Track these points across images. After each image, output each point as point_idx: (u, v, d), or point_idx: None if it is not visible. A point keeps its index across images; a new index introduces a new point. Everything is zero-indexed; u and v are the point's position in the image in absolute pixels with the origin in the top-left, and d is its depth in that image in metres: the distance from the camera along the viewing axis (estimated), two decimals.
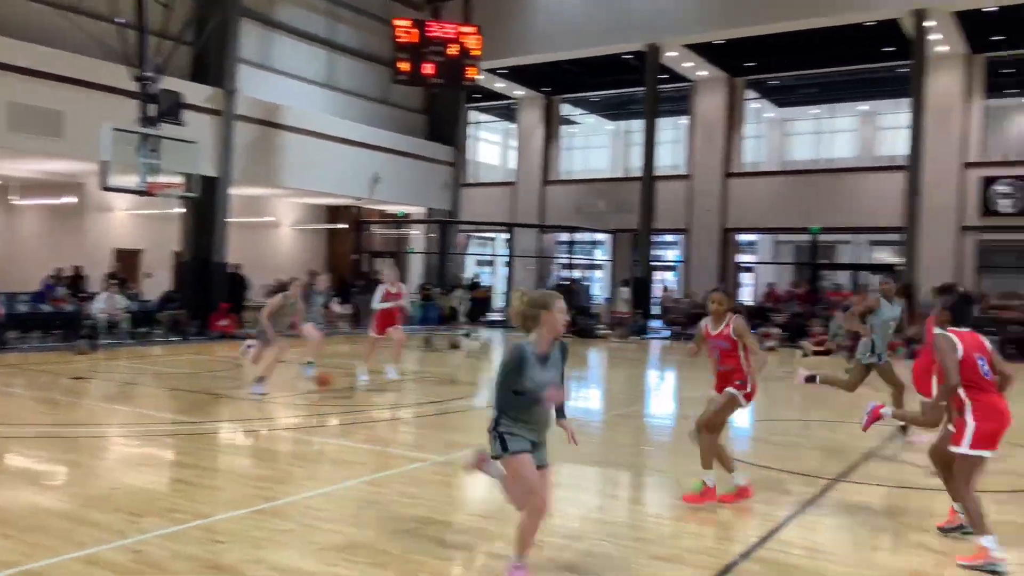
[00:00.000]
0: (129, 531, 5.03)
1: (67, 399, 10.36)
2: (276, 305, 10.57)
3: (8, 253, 20.83)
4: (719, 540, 5.48)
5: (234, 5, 19.61)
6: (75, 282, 18.85)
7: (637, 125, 26.81)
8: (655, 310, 25.36)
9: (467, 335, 20.52)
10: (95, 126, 14.31)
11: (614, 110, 31.54)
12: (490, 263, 33.83)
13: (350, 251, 26.13)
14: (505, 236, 30.98)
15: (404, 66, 22.95)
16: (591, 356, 19.06)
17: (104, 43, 15.79)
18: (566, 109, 31.24)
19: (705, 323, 6.44)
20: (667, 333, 23.98)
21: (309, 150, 21.69)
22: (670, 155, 27.91)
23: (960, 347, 4.93)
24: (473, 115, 31.37)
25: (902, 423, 8.59)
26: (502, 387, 4.34)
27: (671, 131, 28.18)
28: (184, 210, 19.77)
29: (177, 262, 20.59)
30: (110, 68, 16.09)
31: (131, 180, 14.73)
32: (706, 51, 24.62)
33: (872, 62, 24.41)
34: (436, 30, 23.11)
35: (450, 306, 18.63)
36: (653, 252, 26.06)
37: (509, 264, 29.28)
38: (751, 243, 29.46)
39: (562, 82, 28.81)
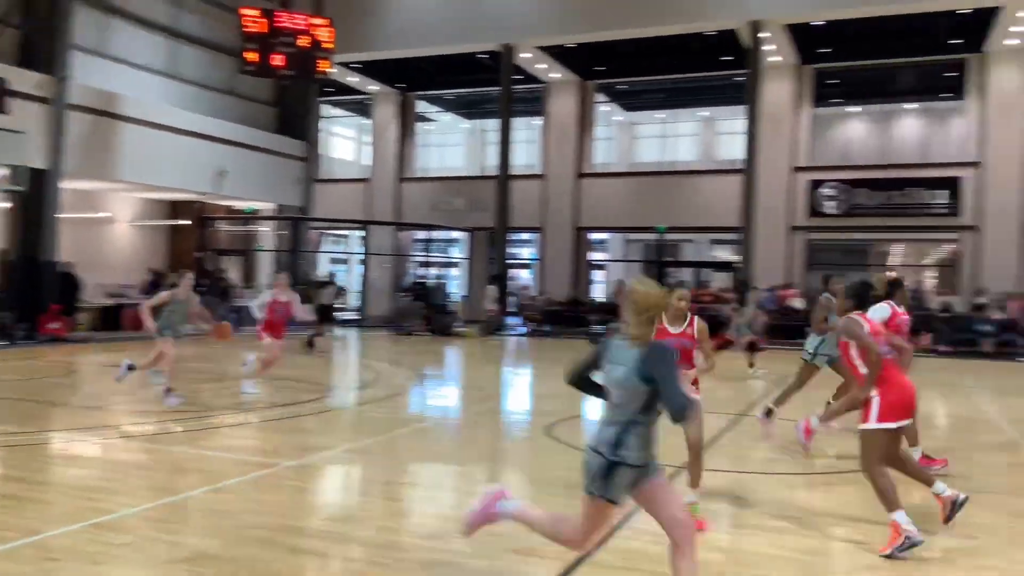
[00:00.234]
0: None
1: None
2: (162, 300, 9.82)
3: None
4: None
5: None
6: None
7: (493, 124, 27.10)
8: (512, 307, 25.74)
9: (320, 335, 20.02)
10: None
11: (470, 108, 31.71)
12: (344, 261, 33.24)
13: (193, 249, 24.97)
14: (360, 234, 30.52)
15: (252, 57, 22.15)
16: (449, 354, 19.09)
17: None
18: (422, 106, 31.12)
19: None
20: (524, 330, 24.36)
21: (149, 142, 20.55)
22: (525, 155, 28.37)
23: (866, 326, 5.36)
24: (326, 109, 30.71)
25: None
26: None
27: (526, 131, 28.65)
28: (10, 204, 18.28)
29: (2, 261, 19.02)
30: None
31: None
32: (558, 54, 25.18)
33: (712, 70, 25.73)
34: (286, 20, 22.44)
35: (320, 304, 18.11)
36: (509, 250, 26.40)
37: (364, 262, 28.87)
38: (602, 241, 30.39)
39: (418, 79, 28.69)
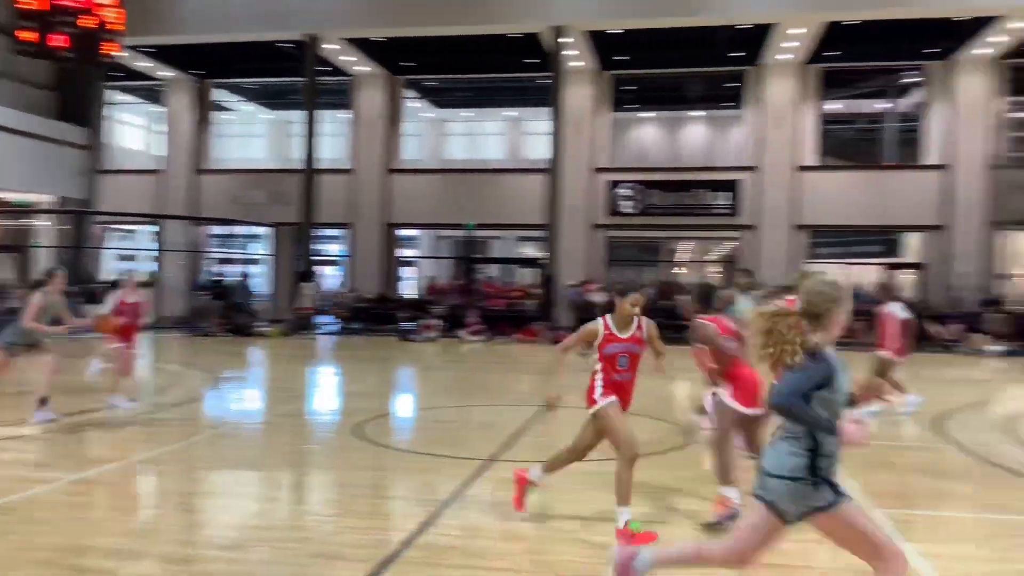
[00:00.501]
0: None
1: None
2: (39, 305, 8.55)
3: None
4: (381, 531, 5.56)
5: None
6: None
7: (298, 116, 26.26)
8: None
9: None
10: None
11: (273, 99, 30.59)
12: (133, 258, 31.04)
13: None
14: (152, 229, 28.64)
15: (28, 36, 20.15)
16: (251, 355, 18.34)
17: None
18: (220, 95, 29.63)
19: (603, 325, 5.61)
20: (334, 328, 23.85)
21: None
22: (332, 148, 27.75)
23: (712, 327, 5.91)
24: (113, 95, 28.52)
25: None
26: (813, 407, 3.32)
27: (332, 124, 28.02)
28: None
29: None
30: None
31: None
32: (366, 47, 24.83)
33: (518, 72, 26.35)
34: None
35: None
36: (315, 246, 25.73)
37: (158, 259, 27.13)
38: (412, 238, 30.34)
39: (216, 66, 27.28)
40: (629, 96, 26.88)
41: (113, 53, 21.29)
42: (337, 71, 26.18)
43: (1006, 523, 5.88)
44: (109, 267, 27.86)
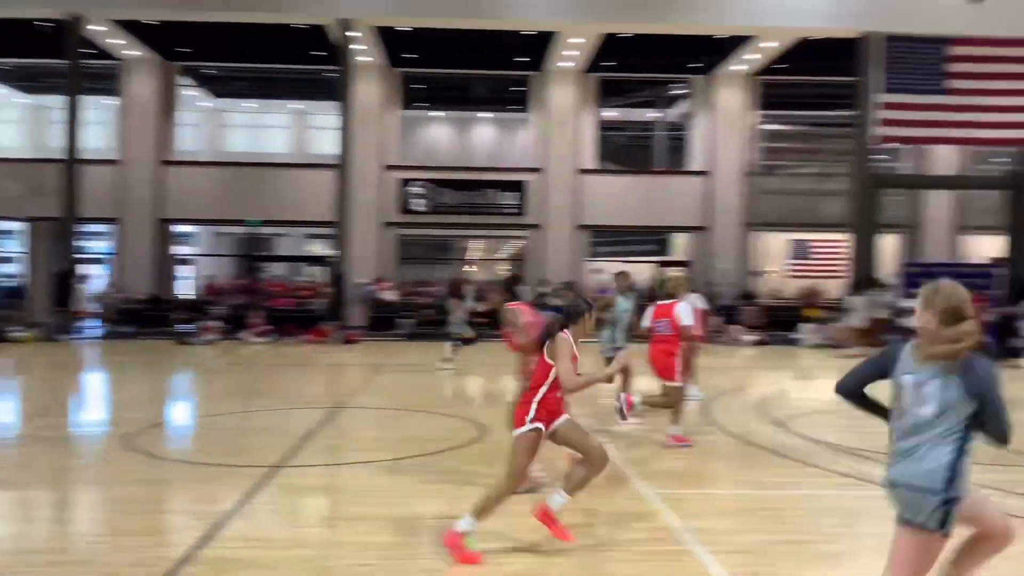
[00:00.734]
0: None
1: None
2: None
3: None
4: (160, 548, 5.21)
5: None
6: None
7: (58, 101, 23.93)
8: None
9: None
10: None
11: (29, 82, 27.73)
12: None
13: None
14: None
15: None
16: (2, 364, 16.52)
17: None
18: None
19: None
20: (99, 332, 21.99)
21: None
22: (98, 137, 25.55)
23: (523, 314, 6.13)
24: None
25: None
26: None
27: (98, 111, 25.80)
28: None
29: None
30: None
31: None
32: (136, 29, 23.10)
33: (304, 63, 25.62)
34: None
35: None
36: (78, 243, 23.59)
37: None
38: (189, 234, 28.64)
39: None
40: (419, 94, 26.97)
41: None
42: (104, 54, 24.17)
43: (765, 497, 6.51)
44: None
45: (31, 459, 7.91)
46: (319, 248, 28.08)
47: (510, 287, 6.74)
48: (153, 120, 25.07)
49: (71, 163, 21.99)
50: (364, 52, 23.88)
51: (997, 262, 23.67)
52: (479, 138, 28.25)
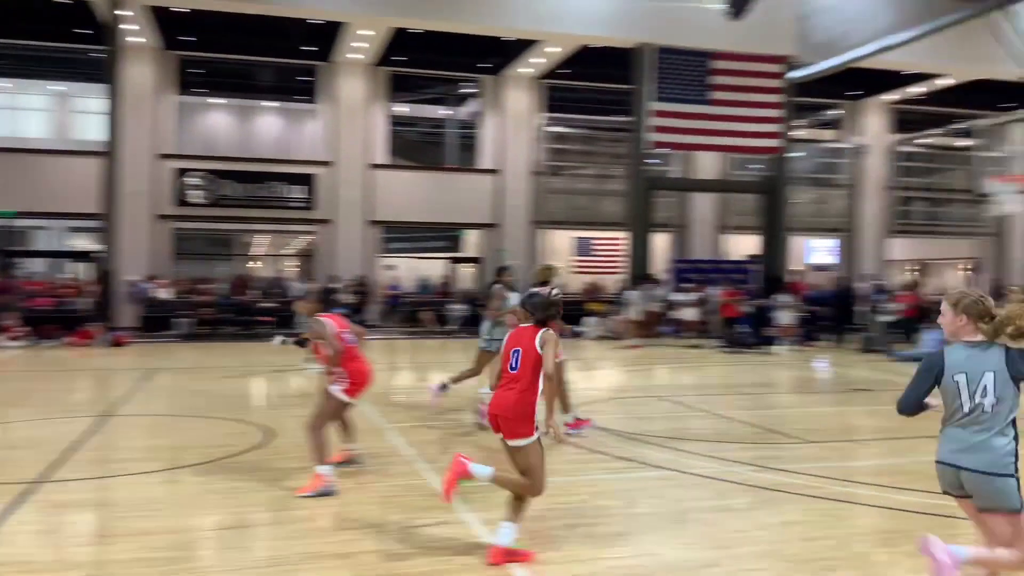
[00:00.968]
0: None
1: None
2: None
3: None
4: None
5: None
6: None
7: None
8: None
9: None
10: None
11: None
12: None
13: None
14: None
15: None
16: None
17: None
18: None
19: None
20: None
21: None
22: None
23: (332, 326, 6.47)
24: None
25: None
26: None
27: None
28: None
29: None
30: None
31: None
32: None
33: (68, 42, 23.42)
34: None
35: None
36: None
37: None
38: None
39: None
40: (197, 79, 25.46)
41: None
42: None
43: (550, 484, 6.74)
44: None
45: None
46: (83, 242, 25.80)
47: (323, 297, 6.88)
48: None
49: None
50: (135, 32, 22.22)
51: (753, 259, 26.14)
52: (264, 128, 27.11)
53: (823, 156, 30.12)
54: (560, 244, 28.96)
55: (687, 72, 22.73)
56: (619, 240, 26.47)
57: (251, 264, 27.84)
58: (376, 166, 25.56)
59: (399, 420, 9.38)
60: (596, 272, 28.33)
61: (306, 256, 26.98)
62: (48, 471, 6.93)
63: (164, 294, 22.26)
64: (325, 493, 6.10)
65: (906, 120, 30.67)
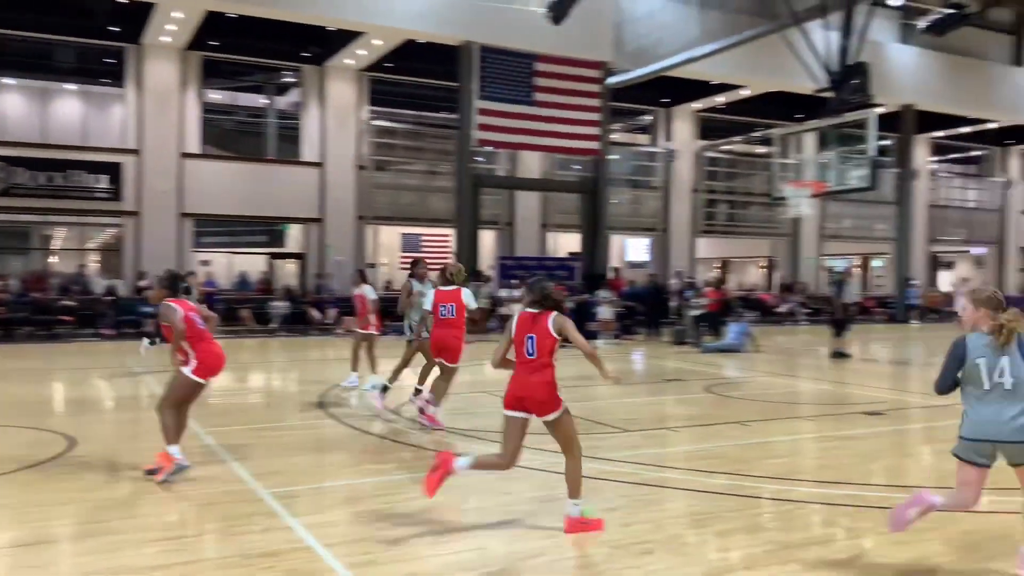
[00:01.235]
0: None
1: None
2: None
3: None
4: None
5: None
6: None
7: None
8: None
9: None
10: None
11: None
12: None
13: None
14: None
15: None
16: None
17: None
18: None
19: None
20: None
21: None
22: None
23: (180, 311, 6.46)
24: None
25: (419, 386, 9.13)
26: None
27: None
28: None
29: None
30: None
31: None
32: None
33: None
34: None
35: None
36: None
37: None
38: None
39: None
40: None
41: None
42: None
43: (375, 484, 6.67)
44: None
45: None
46: None
47: (171, 283, 6.60)
48: None
49: None
50: None
51: (575, 256, 27.05)
52: (63, 112, 25.02)
53: (638, 159, 31.62)
54: (387, 240, 28.72)
55: (511, 72, 23.17)
56: (447, 237, 26.61)
57: (50, 259, 25.66)
58: (189, 155, 24.27)
59: (216, 424, 8.96)
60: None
61: (111, 251, 25.22)
62: None
63: None
64: (179, 469, 6.33)
65: (712, 127, 32.82)
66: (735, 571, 4.68)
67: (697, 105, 30.98)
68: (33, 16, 21.79)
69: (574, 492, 5.27)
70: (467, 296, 8.60)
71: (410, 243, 28.68)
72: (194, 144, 24.62)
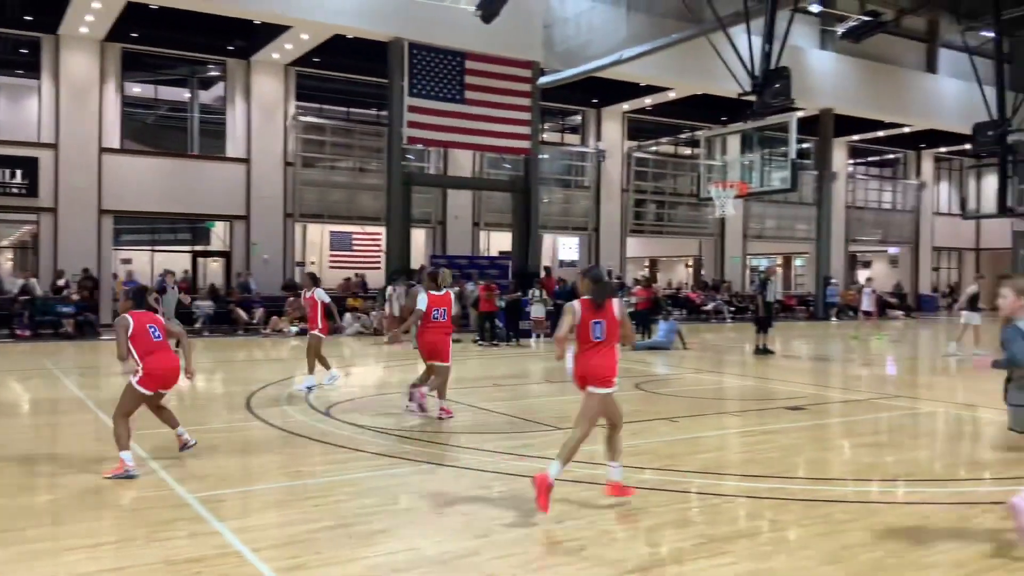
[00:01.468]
0: None
1: None
2: None
3: None
4: None
5: None
6: None
7: None
8: None
9: None
10: None
11: None
12: None
13: None
14: None
15: None
16: None
17: None
18: None
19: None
20: None
21: None
22: None
23: (129, 323, 6.73)
24: None
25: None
26: None
27: None
28: None
29: None
30: None
31: None
32: None
33: None
34: None
35: None
36: None
37: None
38: None
39: None
40: None
41: None
42: None
43: (305, 487, 6.57)
44: None
45: None
46: None
47: (137, 297, 6.70)
48: None
49: None
50: None
51: (507, 255, 27.13)
52: None
53: (569, 159, 31.89)
54: (316, 238, 28.32)
55: (441, 70, 23.09)
56: (377, 235, 26.38)
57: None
58: (108, 150, 23.51)
59: (139, 427, 8.69)
60: (355, 267, 28.03)
61: (26, 248, 24.25)
62: None
63: None
64: (127, 476, 6.49)
65: (641, 128, 33.31)
66: (665, 565, 4.76)
67: (626, 106, 31.39)
68: None
69: (618, 456, 6.02)
70: (453, 299, 9.66)
71: (339, 241, 28.35)
72: (114, 139, 23.84)
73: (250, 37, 24.13)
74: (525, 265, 24.82)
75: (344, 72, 26.48)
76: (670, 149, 34.77)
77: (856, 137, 36.99)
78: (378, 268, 26.37)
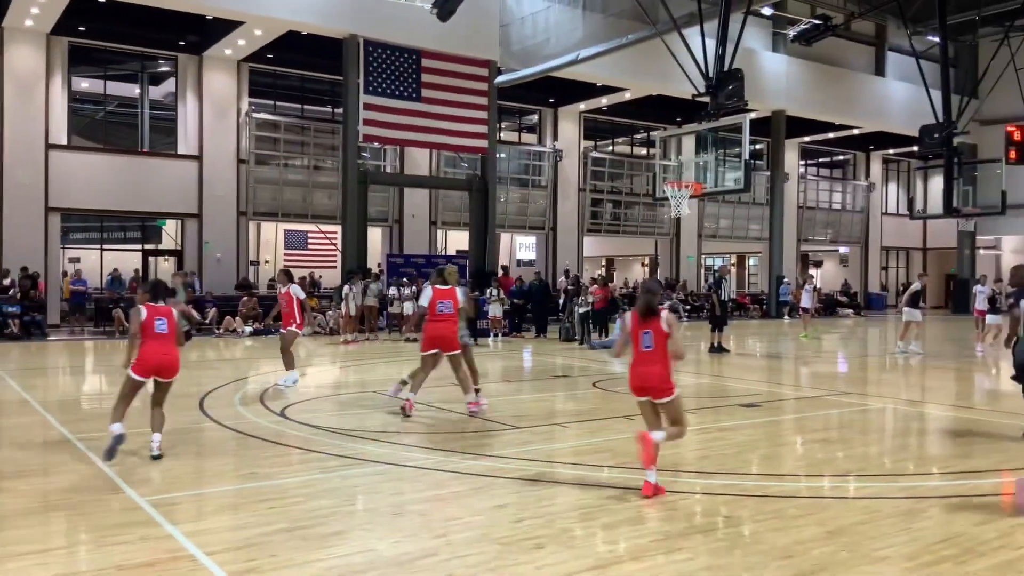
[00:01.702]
0: None
1: None
2: None
3: None
4: None
5: None
6: None
7: None
8: None
9: None
10: None
11: None
12: None
13: None
14: None
15: None
16: None
17: None
18: None
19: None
20: None
21: None
22: None
23: (142, 314, 7.08)
24: None
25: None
26: None
27: None
28: None
29: None
30: None
31: None
32: None
33: None
34: None
35: None
36: None
37: None
38: None
39: None
40: None
41: None
42: None
43: (259, 489, 6.47)
44: None
45: None
46: None
47: (154, 289, 7.50)
48: None
49: None
50: None
51: (464, 254, 27.09)
52: None
53: (526, 158, 31.94)
54: (271, 237, 27.98)
55: (397, 68, 22.96)
56: (333, 234, 26.14)
57: None
58: (55, 147, 22.94)
59: (88, 429, 8.50)
60: (311, 266, 27.74)
61: None
62: None
63: None
64: (117, 442, 6.96)
65: (597, 128, 33.50)
66: (623, 562, 4.79)
67: (583, 106, 31.53)
68: None
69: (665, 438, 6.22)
70: (460, 294, 9.72)
71: (294, 240, 28.04)
72: (61, 135, 23.28)
73: (202, 32, 23.73)
74: (483, 264, 24.80)
75: (298, 69, 26.19)
76: (626, 149, 35.03)
77: (807, 138, 37.65)
78: (334, 267, 26.12)
